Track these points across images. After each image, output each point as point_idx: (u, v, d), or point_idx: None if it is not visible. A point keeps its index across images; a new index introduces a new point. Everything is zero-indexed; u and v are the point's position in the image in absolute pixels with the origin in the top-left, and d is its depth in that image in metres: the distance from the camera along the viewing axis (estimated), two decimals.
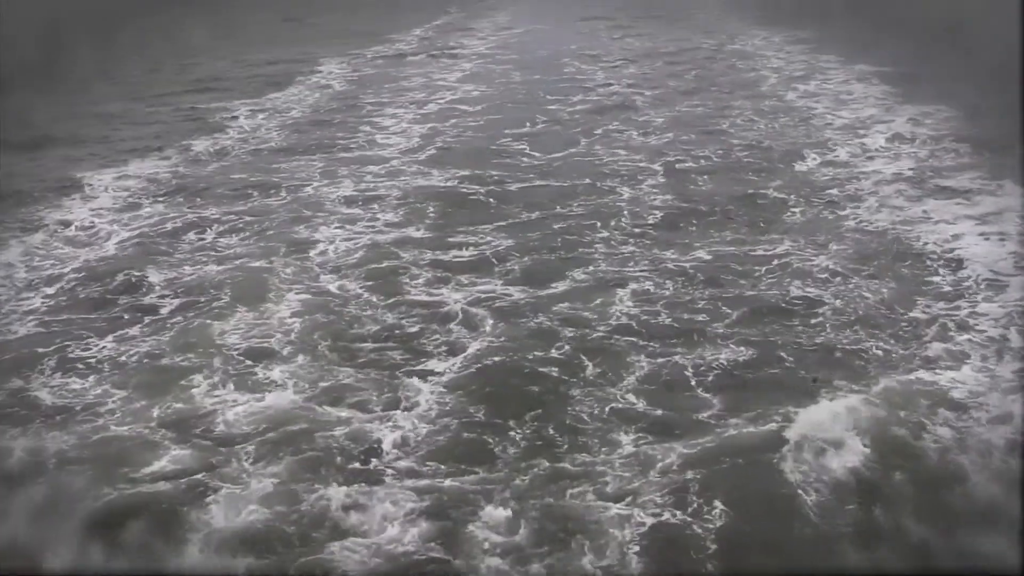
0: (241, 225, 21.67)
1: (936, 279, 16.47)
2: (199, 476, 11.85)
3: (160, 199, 24.05)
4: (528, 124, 31.23)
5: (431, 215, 21.97)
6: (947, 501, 10.49)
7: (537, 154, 27.52)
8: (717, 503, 10.92)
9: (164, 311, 16.90)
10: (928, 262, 17.27)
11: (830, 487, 10.96)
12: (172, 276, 18.58)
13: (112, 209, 23.26)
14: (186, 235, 21.11)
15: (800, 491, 10.98)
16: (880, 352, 13.93)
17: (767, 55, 44.72)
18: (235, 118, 34.02)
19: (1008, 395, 12.49)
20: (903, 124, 27.74)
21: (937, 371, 13.27)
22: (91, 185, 25.23)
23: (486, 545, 10.55)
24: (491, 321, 15.94)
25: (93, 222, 22.19)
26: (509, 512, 10.98)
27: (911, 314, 15.20)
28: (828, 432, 11.82)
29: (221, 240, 20.79)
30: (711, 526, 10.62)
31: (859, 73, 36.30)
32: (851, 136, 27.35)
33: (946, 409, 12.21)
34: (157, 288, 17.96)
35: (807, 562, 10.13)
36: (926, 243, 18.19)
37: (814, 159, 24.95)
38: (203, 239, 20.85)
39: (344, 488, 11.52)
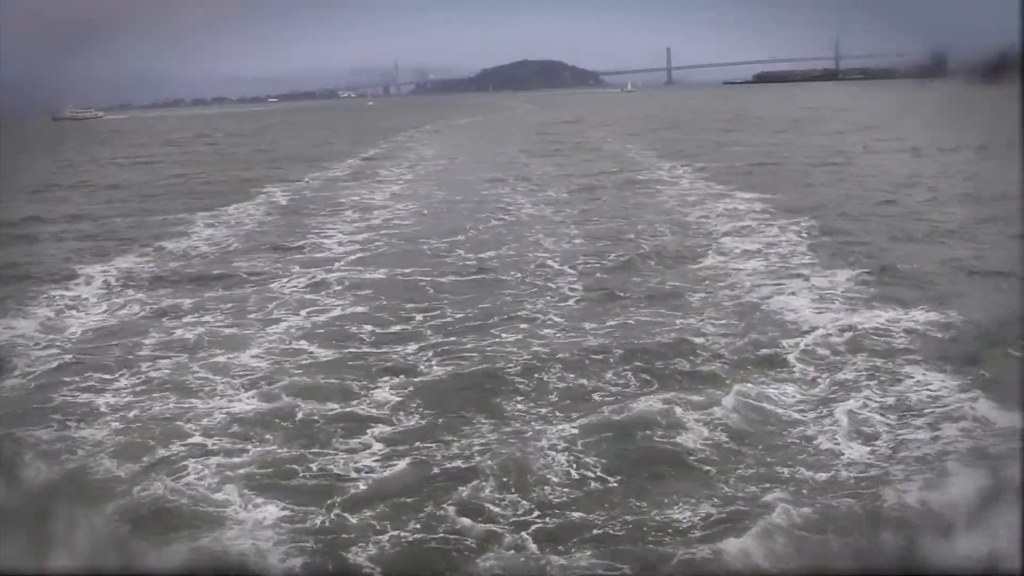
0: (210, 307, 25.01)
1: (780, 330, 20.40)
2: None
3: (139, 288, 27.68)
4: (452, 234, 34.81)
5: (371, 302, 25.19)
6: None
7: (461, 252, 31.40)
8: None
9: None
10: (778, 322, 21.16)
11: None
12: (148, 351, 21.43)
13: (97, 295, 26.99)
14: (160, 319, 24.19)
15: None
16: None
17: (668, 180, 49.89)
18: (196, 226, 38.84)
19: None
20: (774, 232, 32.03)
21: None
22: (80, 276, 28.94)
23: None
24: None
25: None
26: None
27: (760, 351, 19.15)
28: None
29: (194, 318, 24.20)
30: None
31: (742, 199, 40.87)
32: (733, 239, 31.58)
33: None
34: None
35: None
36: (778, 310, 22.19)
37: (706, 256, 29.03)
38: (178, 319, 24.19)
39: None
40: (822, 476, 13.61)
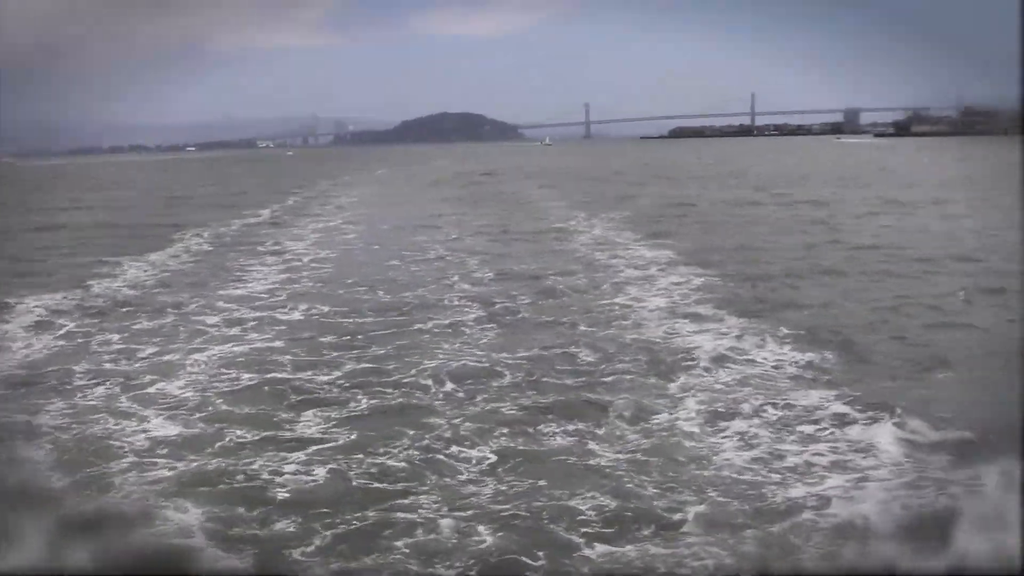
0: (138, 340, 25.91)
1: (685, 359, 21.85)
2: None
3: (69, 321, 28.50)
4: (371, 276, 36.01)
5: (292, 336, 26.25)
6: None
7: (380, 291, 32.53)
8: None
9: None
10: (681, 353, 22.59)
11: None
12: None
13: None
14: (90, 351, 25.04)
15: None
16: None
17: (581, 228, 51.63)
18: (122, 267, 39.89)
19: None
20: (678, 275, 33.77)
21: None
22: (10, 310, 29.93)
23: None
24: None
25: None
26: None
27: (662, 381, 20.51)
28: None
29: (122, 348, 25.06)
30: None
31: (652, 245, 42.52)
32: (640, 281, 33.22)
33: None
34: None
35: None
36: (680, 345, 23.63)
37: (614, 296, 30.46)
38: (107, 350, 25.04)
39: None
40: (717, 484, 14.87)
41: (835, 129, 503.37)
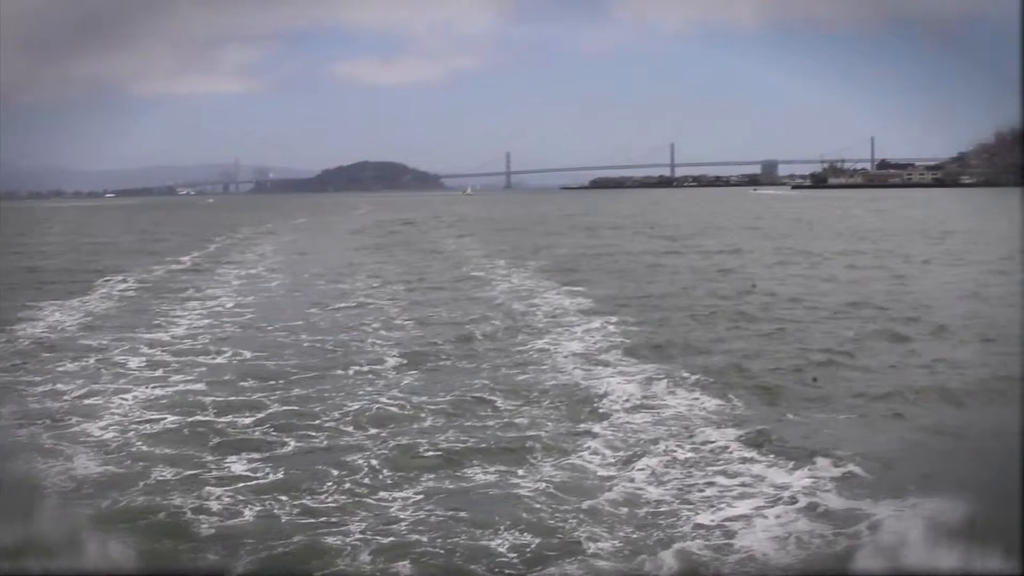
0: (61, 382, 26.09)
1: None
2: None
3: None
4: (292, 321, 36.57)
5: (215, 378, 26.63)
6: None
7: (303, 335, 33.19)
8: None
9: None
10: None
11: None
12: None
13: None
14: (12, 393, 25.09)
15: None
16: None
17: (502, 278, 52.46)
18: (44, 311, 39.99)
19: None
20: (592, 325, 34.36)
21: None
22: None
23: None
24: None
25: None
26: None
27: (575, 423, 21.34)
28: None
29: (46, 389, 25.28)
30: None
31: (568, 293, 43.51)
32: (556, 327, 34.06)
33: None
34: None
35: None
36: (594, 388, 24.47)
37: (532, 342, 31.28)
38: (31, 392, 25.29)
39: None
40: (631, 516, 15.71)
41: (753, 181, 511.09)
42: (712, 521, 15.40)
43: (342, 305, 42.05)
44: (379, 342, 32.17)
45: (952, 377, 25.78)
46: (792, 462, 18.09)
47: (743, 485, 17.09)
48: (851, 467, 17.76)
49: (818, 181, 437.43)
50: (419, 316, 38.04)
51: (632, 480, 17.57)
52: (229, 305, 42.60)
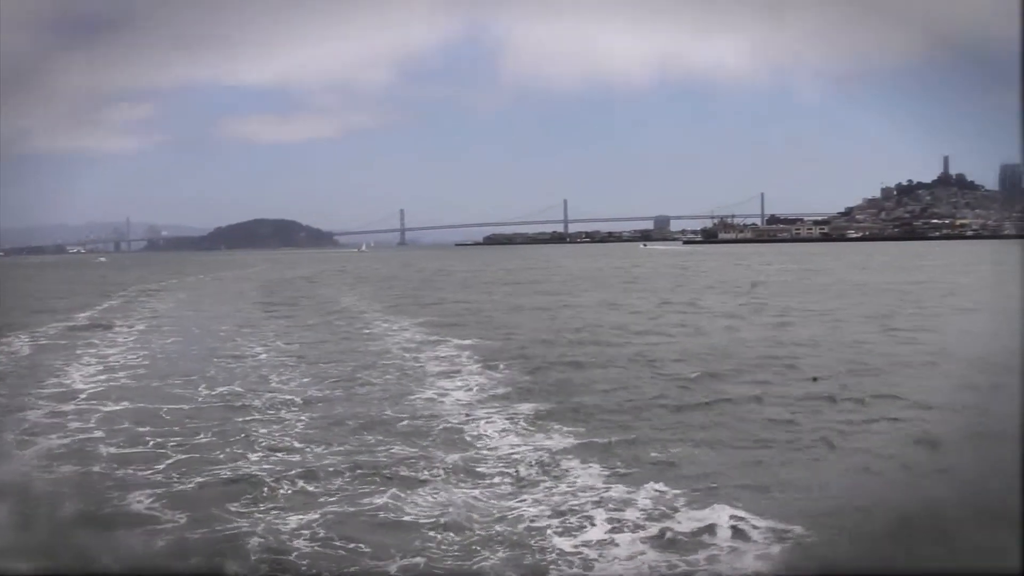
0: None
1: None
2: None
3: None
4: (188, 375, 37.43)
5: (113, 426, 27.54)
6: None
7: (201, 387, 34.11)
8: None
9: None
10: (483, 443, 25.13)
11: None
12: None
13: None
14: None
15: None
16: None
17: (392, 330, 54.22)
18: None
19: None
20: (478, 377, 35.84)
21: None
22: None
23: None
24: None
25: None
26: None
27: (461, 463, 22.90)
28: None
29: None
30: None
31: (457, 347, 45.24)
32: (443, 377, 35.75)
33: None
34: None
35: None
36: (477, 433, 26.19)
37: (420, 391, 32.84)
38: None
39: None
40: (512, 539, 17.41)
41: (645, 236, 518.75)
42: (574, 546, 17.10)
43: (238, 358, 43.16)
44: (275, 392, 33.29)
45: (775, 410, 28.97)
46: (645, 488, 20.18)
47: (608, 511, 18.85)
48: (698, 491, 20.02)
49: (709, 236, 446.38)
50: (313, 367, 39.33)
51: (512, 508, 19.31)
52: (125, 360, 43.04)
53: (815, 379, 33.23)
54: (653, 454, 23.60)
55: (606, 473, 21.63)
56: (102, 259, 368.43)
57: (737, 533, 17.33)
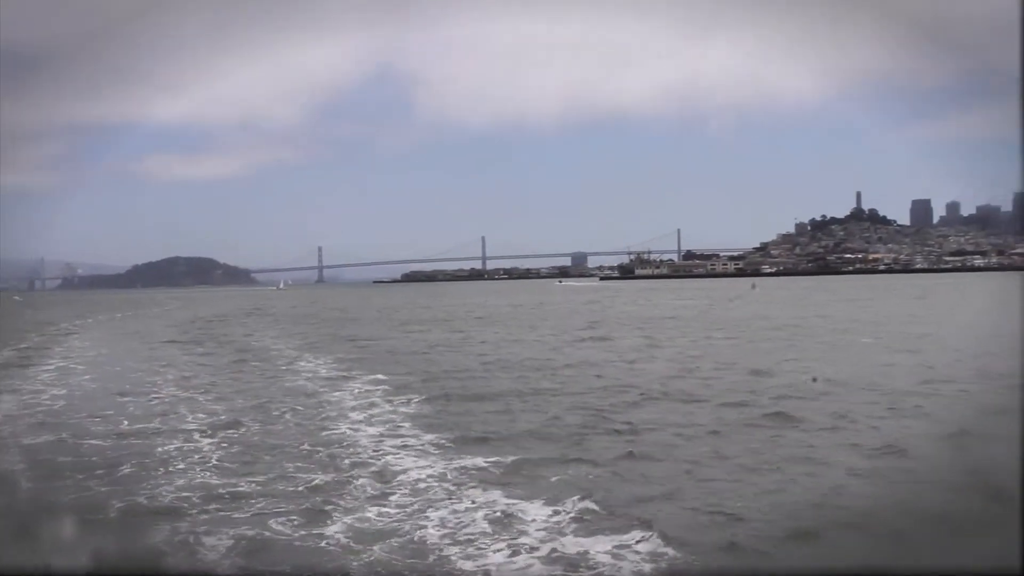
0: None
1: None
2: None
3: None
4: (102, 411, 37.93)
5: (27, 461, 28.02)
6: None
7: (118, 421, 34.96)
8: None
9: None
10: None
11: None
12: None
13: None
14: None
15: None
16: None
17: (308, 368, 55.47)
18: None
19: None
20: (390, 411, 37.18)
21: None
22: None
23: None
24: None
25: None
26: None
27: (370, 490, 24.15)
28: None
29: None
30: None
31: (373, 381, 46.72)
32: (356, 411, 37.01)
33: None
34: None
35: None
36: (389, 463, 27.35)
37: (335, 426, 33.87)
38: None
39: None
40: (425, 556, 18.81)
41: (563, 272, 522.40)
42: (478, 566, 18.42)
43: (155, 394, 43.95)
44: (191, 425, 34.23)
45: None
46: (545, 509, 21.81)
47: (507, 530, 20.38)
48: (589, 510, 21.65)
49: (625, 272, 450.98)
50: (230, 403, 40.32)
51: (420, 528, 20.69)
52: (42, 396, 43.51)
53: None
54: (553, 478, 25.13)
55: (509, 496, 23.14)
56: (17, 298, 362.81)
57: (621, 555, 18.81)
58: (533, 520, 21.08)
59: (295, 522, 21.43)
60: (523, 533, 20.23)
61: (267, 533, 20.67)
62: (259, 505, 22.95)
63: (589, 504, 22.16)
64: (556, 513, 21.52)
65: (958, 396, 38.18)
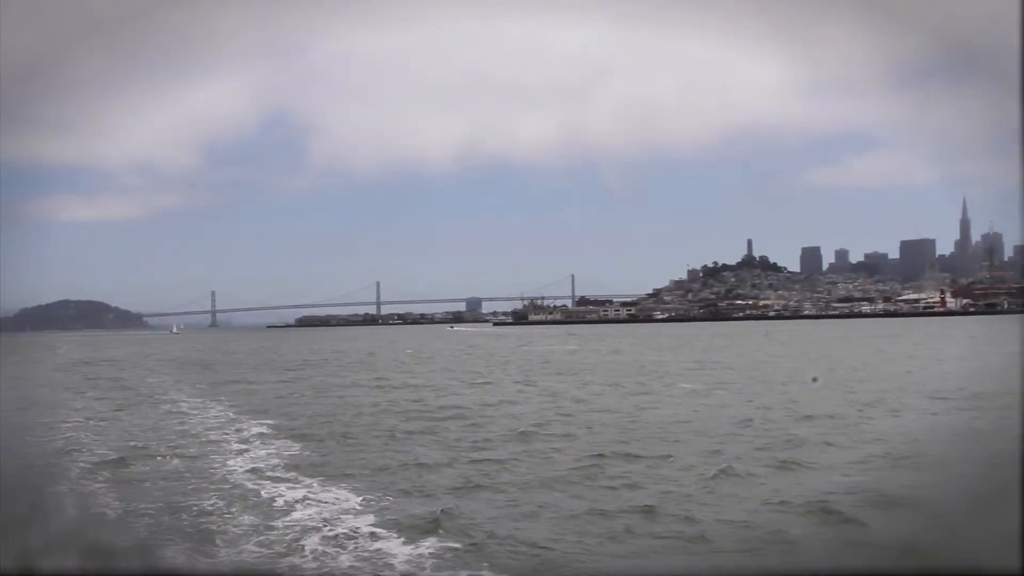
0: None
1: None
2: None
3: None
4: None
5: None
6: None
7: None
8: None
9: None
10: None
11: None
12: None
13: None
14: None
15: None
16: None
17: (198, 410, 57.55)
18: None
19: None
20: (272, 446, 39.91)
21: None
22: None
23: None
24: None
25: None
26: None
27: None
28: None
29: None
30: None
31: (254, 423, 48.92)
32: (245, 447, 39.48)
33: None
34: None
35: None
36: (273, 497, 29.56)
37: (222, 463, 35.98)
38: None
39: None
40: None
41: (457, 318, 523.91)
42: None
43: (42, 434, 45.97)
44: (82, 463, 36.17)
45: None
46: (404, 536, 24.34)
47: (369, 550, 23.13)
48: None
49: (519, 317, 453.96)
50: (119, 444, 42.06)
51: (296, 542, 23.65)
52: None
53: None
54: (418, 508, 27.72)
55: (380, 525, 25.59)
56: None
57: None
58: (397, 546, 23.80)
59: (176, 546, 23.64)
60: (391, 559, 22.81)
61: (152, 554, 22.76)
62: (150, 532, 25.19)
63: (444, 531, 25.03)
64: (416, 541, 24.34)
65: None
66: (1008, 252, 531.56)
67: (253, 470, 34.44)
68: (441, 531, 24.77)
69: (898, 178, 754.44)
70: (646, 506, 27.65)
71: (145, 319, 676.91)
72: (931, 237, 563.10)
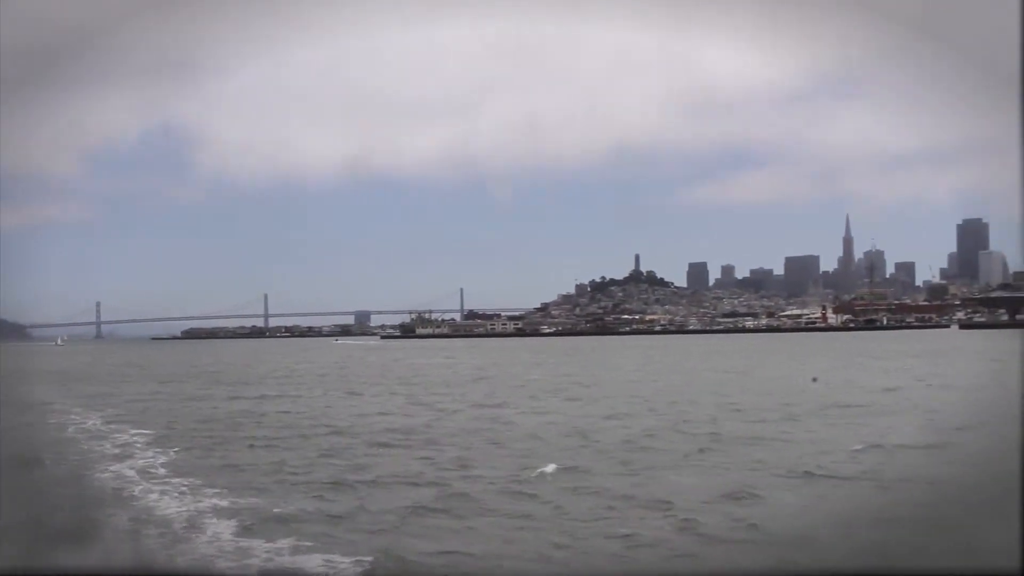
0: None
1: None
2: None
3: None
4: None
5: None
6: None
7: None
8: None
9: None
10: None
11: None
12: None
13: None
14: None
15: None
16: None
17: (77, 420, 59.31)
18: None
19: None
20: (151, 454, 41.90)
21: None
22: None
23: None
24: None
25: None
26: None
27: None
28: None
29: None
30: None
31: (133, 432, 50.67)
32: (129, 456, 41.30)
33: None
34: None
35: None
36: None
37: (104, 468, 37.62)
38: None
39: None
40: None
41: (346, 331, 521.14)
42: None
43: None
44: None
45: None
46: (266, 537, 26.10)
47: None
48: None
49: (407, 331, 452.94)
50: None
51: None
52: None
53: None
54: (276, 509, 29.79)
55: (241, 527, 27.39)
56: None
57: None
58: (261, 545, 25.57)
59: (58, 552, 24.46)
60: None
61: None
62: (27, 536, 25.83)
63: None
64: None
65: None
66: (890, 269, 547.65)
67: (135, 474, 36.30)
68: None
69: (782, 195, 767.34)
70: None
71: (29, 330, 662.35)
72: (815, 254, 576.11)
